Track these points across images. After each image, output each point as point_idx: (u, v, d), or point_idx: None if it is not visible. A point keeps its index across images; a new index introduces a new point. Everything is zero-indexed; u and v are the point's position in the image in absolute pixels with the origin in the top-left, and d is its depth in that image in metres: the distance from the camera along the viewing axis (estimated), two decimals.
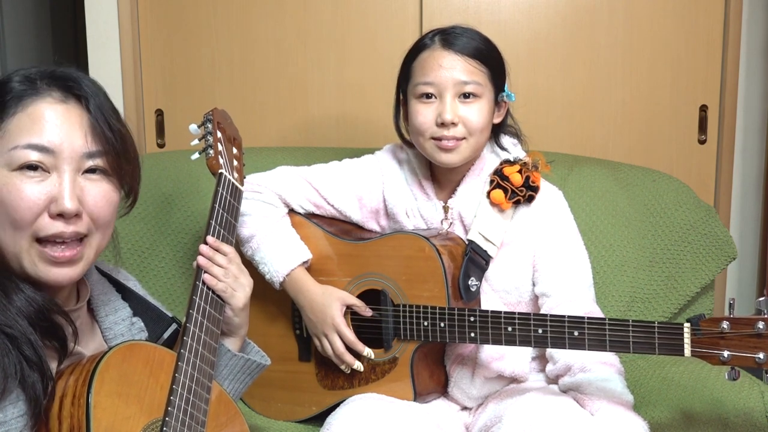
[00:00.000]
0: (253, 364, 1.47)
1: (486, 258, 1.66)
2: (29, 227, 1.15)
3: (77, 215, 1.17)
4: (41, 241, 1.16)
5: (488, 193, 1.67)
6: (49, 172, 1.16)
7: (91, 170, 1.20)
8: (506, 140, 1.76)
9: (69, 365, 1.19)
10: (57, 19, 3.85)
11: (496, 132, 1.74)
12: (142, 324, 1.40)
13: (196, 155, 1.55)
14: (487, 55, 1.65)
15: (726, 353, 1.38)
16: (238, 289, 1.41)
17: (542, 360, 1.72)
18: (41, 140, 1.15)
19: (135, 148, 1.27)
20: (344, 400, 1.65)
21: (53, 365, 1.17)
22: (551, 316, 1.52)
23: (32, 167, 1.15)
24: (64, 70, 1.22)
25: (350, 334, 1.66)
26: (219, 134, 1.53)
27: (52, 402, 1.14)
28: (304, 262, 1.72)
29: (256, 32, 2.56)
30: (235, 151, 1.59)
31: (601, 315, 1.66)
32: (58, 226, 1.16)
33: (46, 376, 1.13)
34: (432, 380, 1.70)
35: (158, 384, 1.22)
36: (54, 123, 1.17)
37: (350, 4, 2.53)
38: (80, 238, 1.19)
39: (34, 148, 1.15)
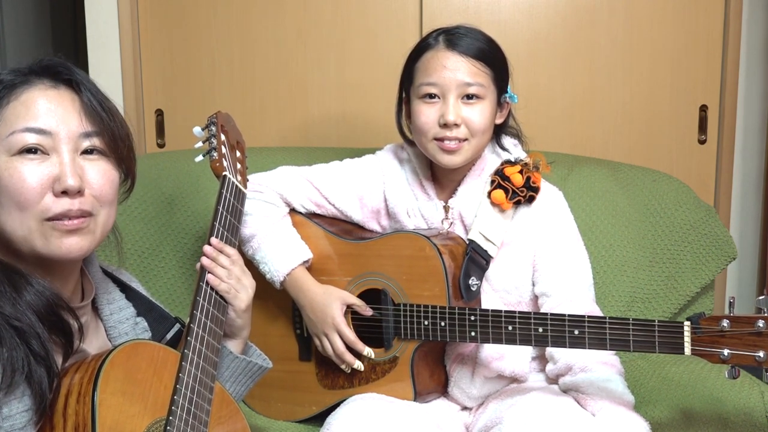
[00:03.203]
0: (255, 367, 1.48)
1: (486, 258, 1.66)
2: (35, 207, 1.17)
3: (81, 192, 1.20)
4: (50, 220, 1.18)
5: (489, 193, 1.67)
6: (48, 154, 1.19)
7: (88, 151, 1.23)
8: (507, 141, 1.76)
9: (74, 363, 1.20)
10: (57, 19, 3.85)
11: (498, 132, 1.74)
12: (146, 324, 1.41)
13: (200, 157, 1.56)
14: (491, 57, 1.65)
15: (726, 352, 1.38)
16: (241, 290, 1.41)
17: (542, 360, 1.72)
18: (37, 124, 1.19)
19: (127, 128, 1.30)
20: (344, 400, 1.65)
21: (58, 361, 1.18)
22: (552, 314, 1.52)
23: (31, 150, 1.18)
24: (52, 58, 1.26)
25: (350, 334, 1.66)
26: (222, 137, 1.54)
27: (57, 399, 1.15)
28: (305, 262, 1.72)
29: (256, 32, 2.57)
30: (238, 154, 1.59)
31: (601, 315, 1.66)
32: (64, 204, 1.18)
33: (52, 372, 1.14)
34: (432, 380, 1.70)
35: (162, 383, 1.23)
36: (48, 107, 1.20)
37: (350, 4, 2.53)
38: (87, 215, 1.22)
39: (32, 131, 1.18)
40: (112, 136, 1.24)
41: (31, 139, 1.18)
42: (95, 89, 1.26)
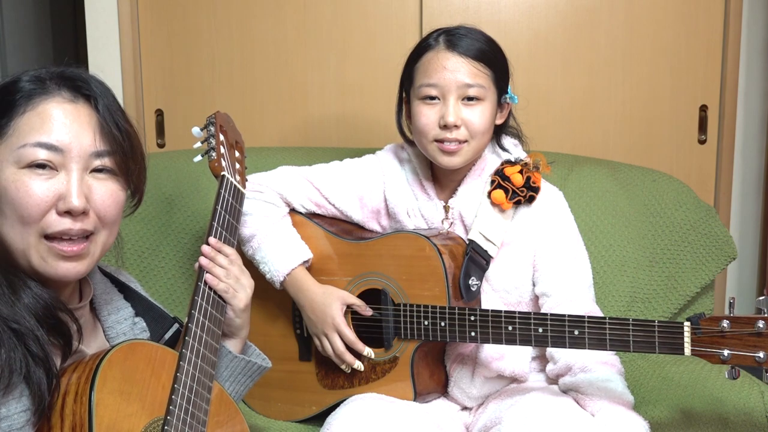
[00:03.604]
0: (254, 366, 1.48)
1: (486, 258, 1.66)
2: (37, 224, 1.17)
3: (84, 213, 1.19)
4: (49, 237, 1.18)
5: (489, 193, 1.67)
6: (57, 170, 1.18)
7: (98, 169, 1.22)
8: (507, 141, 1.76)
9: (71, 363, 1.20)
10: (57, 19, 3.85)
11: (498, 133, 1.74)
12: (144, 324, 1.41)
13: (198, 158, 1.56)
14: (492, 57, 1.65)
15: (726, 352, 1.38)
16: (239, 290, 1.41)
17: (542, 360, 1.72)
18: (50, 139, 1.17)
19: (142, 148, 1.29)
20: (344, 400, 1.65)
21: (57, 362, 1.18)
22: (551, 315, 1.52)
23: (41, 165, 1.17)
24: (74, 70, 1.24)
25: (350, 334, 1.66)
26: (221, 137, 1.55)
27: (54, 399, 1.15)
28: (305, 262, 1.72)
29: (256, 32, 2.57)
30: (237, 154, 1.60)
31: (601, 315, 1.66)
32: (66, 223, 1.17)
33: (51, 373, 1.14)
34: (432, 380, 1.70)
35: (160, 383, 1.23)
36: (63, 122, 1.18)
37: (350, 4, 2.53)
38: (87, 235, 1.21)
39: (43, 146, 1.17)
40: (123, 156, 1.23)
41: (42, 155, 1.16)
42: (114, 107, 1.24)
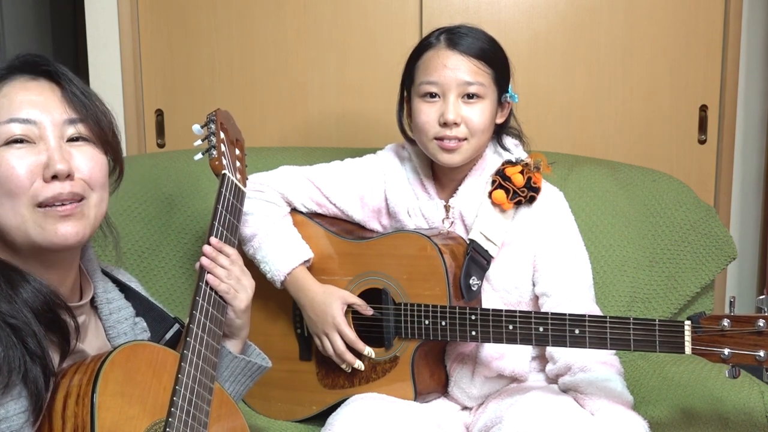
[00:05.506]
0: (254, 366, 1.48)
1: (487, 257, 1.66)
2: (26, 194, 1.18)
3: (70, 176, 1.20)
4: (41, 206, 1.19)
5: (490, 193, 1.67)
6: (35, 143, 1.20)
7: (74, 138, 1.24)
8: (508, 141, 1.76)
9: (73, 364, 1.20)
10: (57, 19, 3.84)
11: (499, 132, 1.74)
12: (145, 324, 1.41)
13: (199, 156, 1.55)
14: (492, 56, 1.65)
15: (726, 351, 1.38)
16: (240, 290, 1.41)
17: (542, 360, 1.72)
18: (21, 114, 1.20)
19: (111, 115, 1.31)
20: (345, 400, 1.65)
21: (55, 360, 1.18)
22: (552, 314, 1.52)
23: (18, 140, 1.19)
24: (30, 54, 1.27)
25: (351, 333, 1.66)
26: (222, 135, 1.54)
27: (56, 401, 1.15)
28: (306, 261, 1.72)
29: (256, 32, 2.57)
30: (237, 152, 1.59)
31: (601, 314, 1.66)
32: (56, 188, 1.19)
33: (48, 371, 1.14)
34: (432, 379, 1.70)
35: (161, 385, 1.23)
36: (29, 98, 1.22)
37: (350, 4, 2.53)
38: (79, 199, 1.22)
39: (16, 121, 1.20)
40: (96, 122, 1.26)
41: (17, 129, 1.19)
42: (76, 79, 1.27)
